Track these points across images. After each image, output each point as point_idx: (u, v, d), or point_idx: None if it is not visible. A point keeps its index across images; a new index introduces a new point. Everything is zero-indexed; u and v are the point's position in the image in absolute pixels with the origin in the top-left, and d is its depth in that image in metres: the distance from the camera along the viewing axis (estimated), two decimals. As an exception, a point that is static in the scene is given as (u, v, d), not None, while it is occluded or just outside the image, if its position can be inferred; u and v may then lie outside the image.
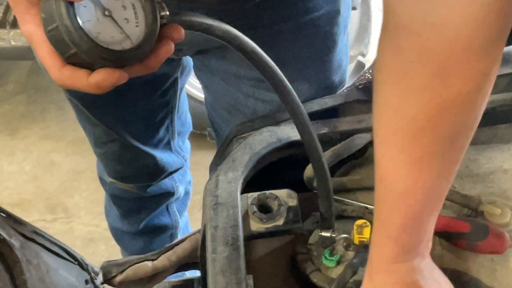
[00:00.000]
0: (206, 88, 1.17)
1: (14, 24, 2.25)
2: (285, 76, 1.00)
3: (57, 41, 0.57)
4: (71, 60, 0.58)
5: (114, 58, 0.59)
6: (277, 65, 1.00)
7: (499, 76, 0.92)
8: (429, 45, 0.55)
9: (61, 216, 2.11)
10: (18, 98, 2.68)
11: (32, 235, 1.02)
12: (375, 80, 0.65)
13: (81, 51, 0.57)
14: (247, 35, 0.94)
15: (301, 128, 0.69)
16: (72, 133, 2.43)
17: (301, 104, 0.69)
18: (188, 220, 1.75)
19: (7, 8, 2.29)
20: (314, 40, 1.00)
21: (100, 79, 0.59)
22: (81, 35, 0.56)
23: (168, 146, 1.38)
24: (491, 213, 0.82)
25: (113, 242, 1.72)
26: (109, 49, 0.58)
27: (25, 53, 2.19)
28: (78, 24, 0.56)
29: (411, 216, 0.66)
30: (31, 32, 0.59)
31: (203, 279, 0.81)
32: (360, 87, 1.00)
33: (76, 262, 1.15)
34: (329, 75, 1.05)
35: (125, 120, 1.23)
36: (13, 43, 2.19)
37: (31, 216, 2.13)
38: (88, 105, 1.17)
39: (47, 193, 2.25)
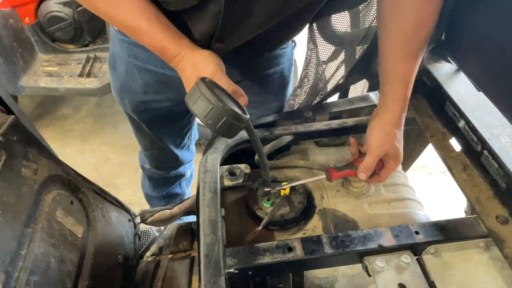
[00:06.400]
0: None
1: (88, 74, 2.23)
2: (258, 101, 1.02)
3: (227, 125, 0.58)
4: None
5: None
6: (257, 95, 1.00)
7: (360, 108, 1.01)
8: None
9: (112, 189, 2.08)
10: (88, 120, 2.63)
11: (98, 190, 1.04)
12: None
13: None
14: (244, 78, 0.95)
15: (250, 136, 0.71)
16: (122, 142, 2.42)
17: (251, 125, 0.69)
18: (190, 192, 1.72)
19: (86, 63, 2.27)
20: (279, 81, 1.02)
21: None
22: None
23: (188, 148, 1.37)
24: (355, 180, 0.89)
25: (144, 205, 1.68)
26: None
27: (94, 92, 2.17)
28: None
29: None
30: None
31: (197, 221, 0.79)
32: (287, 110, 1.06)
33: (123, 208, 1.16)
34: (283, 101, 1.08)
35: (168, 134, 1.22)
36: (87, 86, 2.18)
37: (94, 190, 2.12)
38: (152, 127, 1.15)
39: (104, 176, 2.22)
